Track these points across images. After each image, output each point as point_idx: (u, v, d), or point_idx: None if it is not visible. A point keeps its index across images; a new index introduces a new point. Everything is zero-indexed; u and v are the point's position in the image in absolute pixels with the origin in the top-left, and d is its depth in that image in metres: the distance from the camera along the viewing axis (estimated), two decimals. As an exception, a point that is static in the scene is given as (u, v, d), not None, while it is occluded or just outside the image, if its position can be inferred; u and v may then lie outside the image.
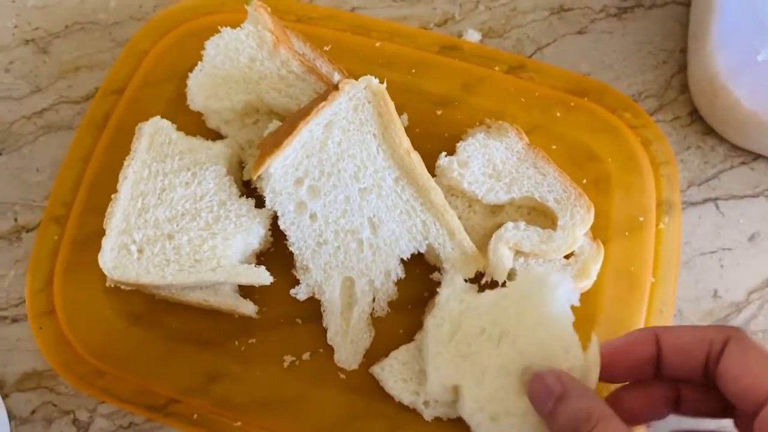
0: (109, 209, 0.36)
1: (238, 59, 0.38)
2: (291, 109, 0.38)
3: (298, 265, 0.36)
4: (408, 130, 0.39)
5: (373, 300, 0.36)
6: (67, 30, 0.44)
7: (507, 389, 0.28)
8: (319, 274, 0.35)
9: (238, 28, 0.39)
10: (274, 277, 0.35)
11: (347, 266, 0.35)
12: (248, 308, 0.36)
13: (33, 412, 0.37)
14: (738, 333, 0.27)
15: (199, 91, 0.38)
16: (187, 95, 0.39)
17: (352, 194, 0.35)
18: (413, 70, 0.43)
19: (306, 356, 0.37)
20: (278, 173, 0.35)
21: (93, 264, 0.38)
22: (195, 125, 0.40)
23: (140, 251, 0.35)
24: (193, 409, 0.37)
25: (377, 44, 0.43)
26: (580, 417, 0.26)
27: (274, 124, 0.37)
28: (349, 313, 0.36)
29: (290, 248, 0.36)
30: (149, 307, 0.38)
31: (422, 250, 0.36)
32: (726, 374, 0.26)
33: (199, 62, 0.38)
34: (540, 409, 0.28)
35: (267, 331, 0.37)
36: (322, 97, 0.35)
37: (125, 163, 0.36)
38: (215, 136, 0.39)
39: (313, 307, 0.37)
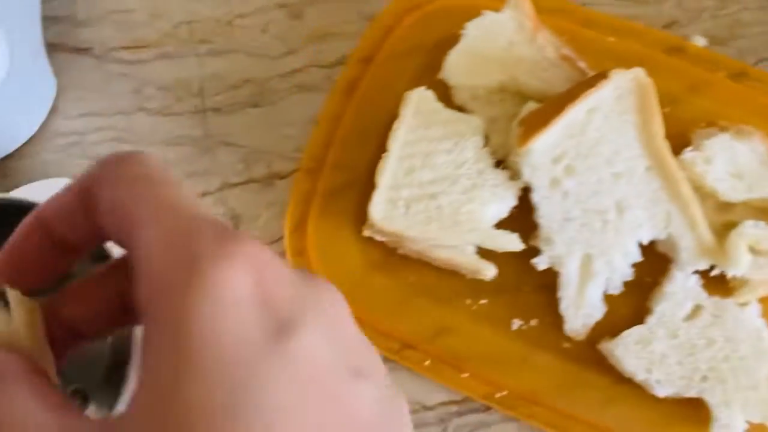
0: (379, 166, 0.39)
1: (497, 41, 0.41)
2: (543, 92, 0.41)
3: (542, 236, 0.39)
4: None
5: (607, 278, 0.39)
6: (318, -1, 0.48)
7: None
8: (562, 248, 0.38)
9: (501, 12, 0.42)
10: (512, 246, 0.39)
11: (589, 243, 0.38)
12: (489, 270, 0.39)
13: (281, 339, 0.41)
14: (110, 162, 0.19)
15: (458, 67, 0.41)
16: (444, 69, 0.42)
17: (604, 177, 0.38)
18: (645, 67, 0.45)
19: (534, 322, 0.40)
20: (539, 150, 0.38)
21: (342, 214, 0.42)
22: (438, 99, 0.43)
23: (406, 207, 0.38)
24: (425, 357, 0.40)
25: (610, 39, 0.45)
26: None
27: (530, 105, 0.40)
28: (584, 287, 0.39)
29: (539, 220, 0.39)
30: (390, 259, 0.41)
31: (661, 238, 0.38)
32: (106, 221, 0.19)
33: (461, 40, 0.42)
34: None
35: (498, 295, 0.40)
36: (589, 83, 0.38)
37: (394, 125, 0.40)
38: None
39: (542, 277, 0.40)
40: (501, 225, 0.41)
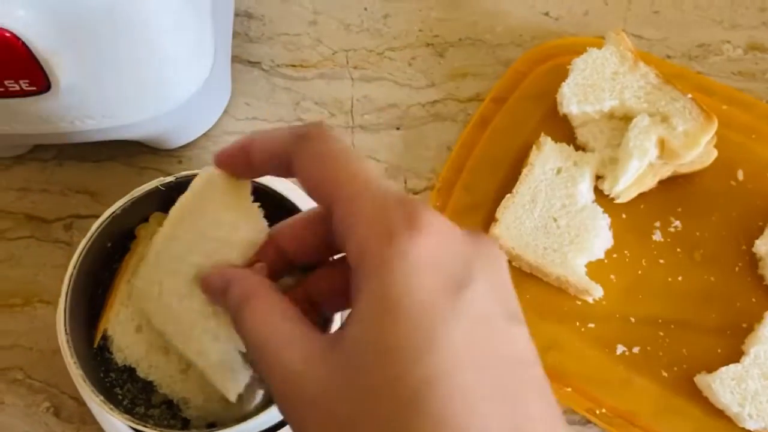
0: (504, 202, 0.46)
1: (603, 72, 0.48)
2: (649, 112, 0.47)
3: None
4: (742, 185, 0.47)
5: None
6: (460, 42, 0.54)
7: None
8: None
9: (603, 49, 0.49)
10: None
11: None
12: (597, 291, 0.44)
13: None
14: (315, 129, 0.24)
15: (571, 97, 0.48)
16: (559, 100, 0.48)
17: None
18: (753, 135, 0.50)
19: (636, 350, 0.44)
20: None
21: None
22: (563, 139, 0.49)
23: (528, 232, 0.44)
24: (532, 368, 0.44)
25: (723, 107, 0.50)
26: (239, 299, 0.24)
27: (641, 118, 0.46)
28: None
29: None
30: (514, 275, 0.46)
31: None
32: (301, 175, 0.24)
33: (570, 74, 0.48)
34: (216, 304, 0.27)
35: (606, 321, 0.45)
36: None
37: (524, 171, 0.47)
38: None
39: (647, 310, 0.44)
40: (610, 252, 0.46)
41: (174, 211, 0.31)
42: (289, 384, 0.22)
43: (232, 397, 0.30)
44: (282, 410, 0.23)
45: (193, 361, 0.31)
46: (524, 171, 0.47)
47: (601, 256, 0.46)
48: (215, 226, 0.29)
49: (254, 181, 0.34)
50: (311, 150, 0.23)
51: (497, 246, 0.24)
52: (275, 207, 0.38)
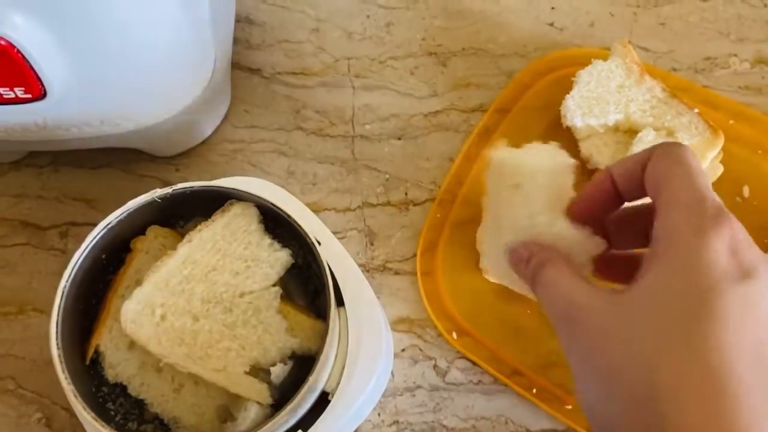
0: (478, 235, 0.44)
1: (608, 85, 0.48)
2: (655, 127, 0.46)
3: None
4: (748, 201, 0.46)
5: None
6: (463, 51, 0.54)
7: None
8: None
9: (609, 61, 0.48)
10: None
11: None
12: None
13: (403, 350, 0.45)
14: (668, 145, 0.29)
15: (576, 110, 0.47)
16: (563, 113, 0.48)
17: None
18: (759, 151, 0.49)
19: (638, 368, 0.43)
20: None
21: (468, 244, 0.47)
22: (567, 152, 0.48)
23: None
24: (532, 384, 0.44)
25: (730, 122, 0.49)
26: (538, 264, 0.31)
27: (646, 131, 0.46)
28: None
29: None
30: (512, 291, 0.45)
31: None
32: (647, 181, 0.29)
33: (574, 86, 0.48)
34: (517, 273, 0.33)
35: (607, 338, 0.44)
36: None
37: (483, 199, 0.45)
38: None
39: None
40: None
41: (192, 236, 0.35)
42: (573, 312, 0.28)
43: (269, 400, 0.33)
44: (563, 333, 0.28)
45: (209, 379, 0.32)
46: None
47: (604, 271, 0.45)
48: (244, 246, 0.35)
49: (266, 204, 0.35)
50: (660, 154, 0.29)
51: None
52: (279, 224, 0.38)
